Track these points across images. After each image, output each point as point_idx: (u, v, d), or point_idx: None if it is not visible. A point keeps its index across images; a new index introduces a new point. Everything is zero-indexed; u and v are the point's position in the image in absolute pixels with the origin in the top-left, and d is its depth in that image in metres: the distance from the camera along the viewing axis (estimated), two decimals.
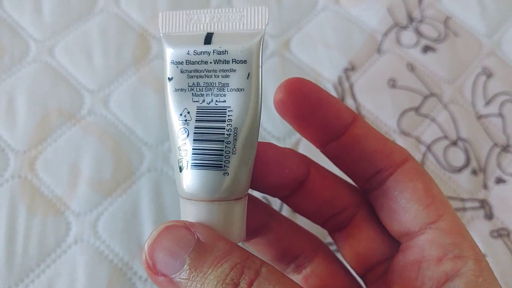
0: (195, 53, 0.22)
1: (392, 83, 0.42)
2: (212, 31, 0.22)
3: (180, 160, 0.22)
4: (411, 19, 0.46)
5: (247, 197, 0.23)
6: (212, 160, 0.21)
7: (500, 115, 0.41)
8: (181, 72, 0.22)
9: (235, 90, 0.22)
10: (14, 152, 0.37)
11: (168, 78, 0.22)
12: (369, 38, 0.44)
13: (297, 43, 0.43)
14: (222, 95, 0.22)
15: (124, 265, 0.33)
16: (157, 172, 0.37)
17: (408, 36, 0.45)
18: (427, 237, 0.21)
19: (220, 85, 0.22)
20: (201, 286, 0.18)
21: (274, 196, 0.26)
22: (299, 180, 0.24)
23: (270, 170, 0.24)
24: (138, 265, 0.33)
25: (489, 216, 0.37)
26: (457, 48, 0.44)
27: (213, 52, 0.22)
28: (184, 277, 0.18)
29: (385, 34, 0.45)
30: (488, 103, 0.42)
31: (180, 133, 0.22)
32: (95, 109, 0.39)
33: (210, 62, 0.22)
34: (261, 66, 0.22)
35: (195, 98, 0.22)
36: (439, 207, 0.21)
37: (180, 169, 0.22)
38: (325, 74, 0.42)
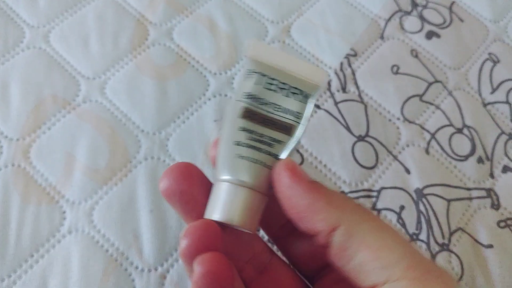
0: None
1: (396, 70, 0.41)
2: None
3: None
4: (415, 4, 0.45)
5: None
6: None
7: (508, 102, 0.40)
8: None
9: None
10: (7, 140, 0.36)
11: None
12: (372, 23, 0.43)
13: (298, 29, 0.42)
14: None
15: (119, 255, 0.32)
16: (154, 160, 0.36)
17: (412, 22, 0.44)
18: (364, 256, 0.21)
19: None
20: None
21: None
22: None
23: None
24: (134, 255, 0.32)
25: (496, 205, 0.36)
26: (462, 34, 0.43)
27: None
28: None
29: (389, 20, 0.44)
30: (495, 90, 0.41)
31: None
32: (91, 96, 0.38)
33: None
34: None
35: None
36: None
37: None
38: (326, 61, 0.41)
